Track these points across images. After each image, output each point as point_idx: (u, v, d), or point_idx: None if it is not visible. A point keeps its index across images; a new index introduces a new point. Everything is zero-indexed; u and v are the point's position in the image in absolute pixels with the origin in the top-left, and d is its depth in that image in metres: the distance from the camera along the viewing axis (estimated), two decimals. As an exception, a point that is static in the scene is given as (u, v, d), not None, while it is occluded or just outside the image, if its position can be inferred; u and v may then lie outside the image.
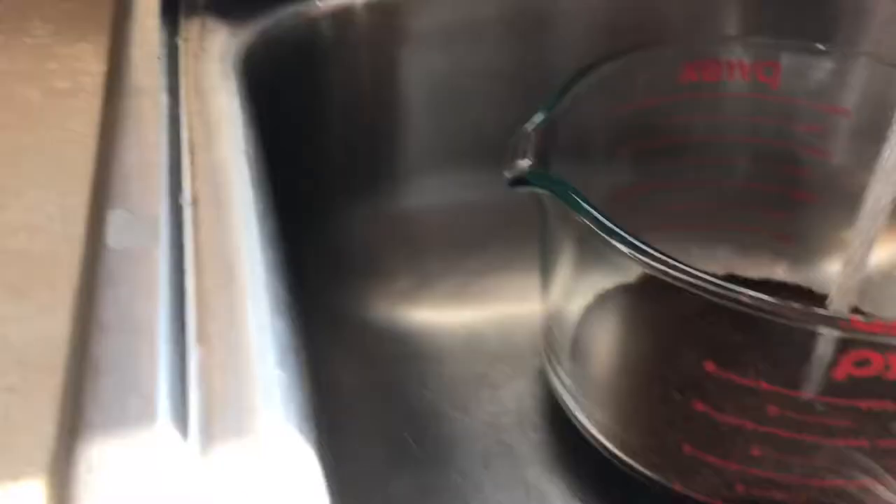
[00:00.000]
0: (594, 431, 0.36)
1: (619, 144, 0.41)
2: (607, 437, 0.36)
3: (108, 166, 0.26)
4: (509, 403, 0.42)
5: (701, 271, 0.27)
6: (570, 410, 0.38)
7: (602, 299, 0.37)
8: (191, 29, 0.36)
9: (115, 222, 0.24)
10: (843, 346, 0.27)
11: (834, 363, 0.28)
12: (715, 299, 0.27)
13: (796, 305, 0.26)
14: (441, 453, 0.39)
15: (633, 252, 0.28)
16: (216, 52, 0.35)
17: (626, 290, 0.36)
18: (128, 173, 0.26)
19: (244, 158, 0.28)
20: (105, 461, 0.17)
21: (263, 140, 0.31)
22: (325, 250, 0.43)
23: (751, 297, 0.27)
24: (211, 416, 0.19)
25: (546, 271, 0.38)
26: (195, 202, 0.25)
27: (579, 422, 0.37)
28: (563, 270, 0.37)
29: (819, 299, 0.39)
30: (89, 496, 0.17)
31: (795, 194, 0.45)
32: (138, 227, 0.24)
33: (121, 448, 0.18)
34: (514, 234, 0.46)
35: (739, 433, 0.31)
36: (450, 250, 0.46)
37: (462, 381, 0.42)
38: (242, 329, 0.21)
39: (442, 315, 0.45)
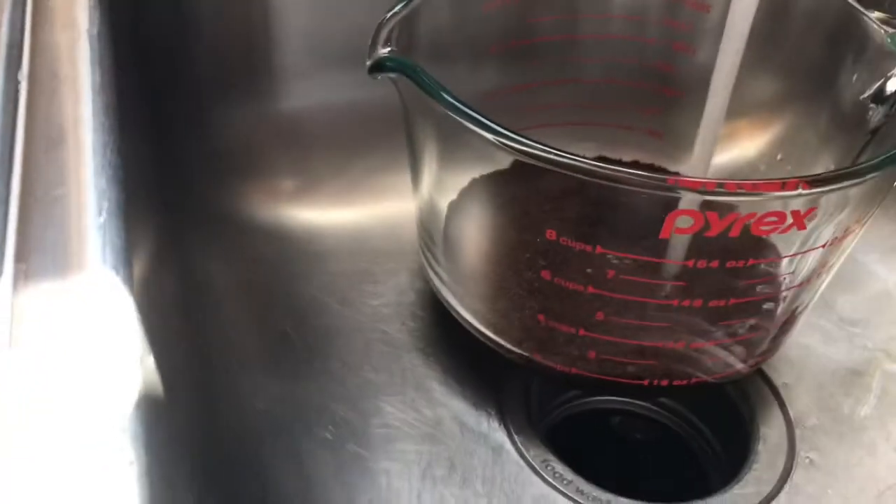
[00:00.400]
0: (465, 315, 0.38)
1: (482, 44, 0.42)
2: (476, 319, 0.38)
3: (-55, 46, 0.27)
4: (391, 296, 0.43)
5: (545, 145, 0.28)
6: (444, 298, 0.39)
7: (467, 190, 0.39)
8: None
9: (-54, 94, 0.24)
10: (667, 206, 0.29)
11: (660, 224, 0.30)
12: (550, 167, 0.29)
13: (621, 169, 0.28)
14: (322, 344, 0.40)
15: (482, 130, 0.29)
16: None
17: (487, 179, 0.37)
18: (-35, 51, 0.26)
19: (86, 37, 0.28)
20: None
21: (120, 33, 0.31)
22: (208, 151, 0.44)
23: (581, 162, 0.28)
24: (27, 257, 0.20)
25: (413, 165, 0.39)
26: (32, 78, 0.26)
27: (452, 308, 0.39)
28: (428, 163, 0.38)
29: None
30: None
31: (664, 90, 0.46)
32: (-30, 98, 0.24)
33: (-67, 284, 0.19)
34: (398, 136, 0.47)
35: (583, 298, 0.32)
36: (335, 151, 0.47)
37: (345, 277, 0.44)
38: (65, 186, 0.22)
39: (327, 215, 0.46)
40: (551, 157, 0.29)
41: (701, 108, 0.46)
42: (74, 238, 0.20)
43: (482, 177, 0.38)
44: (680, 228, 0.29)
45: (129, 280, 0.20)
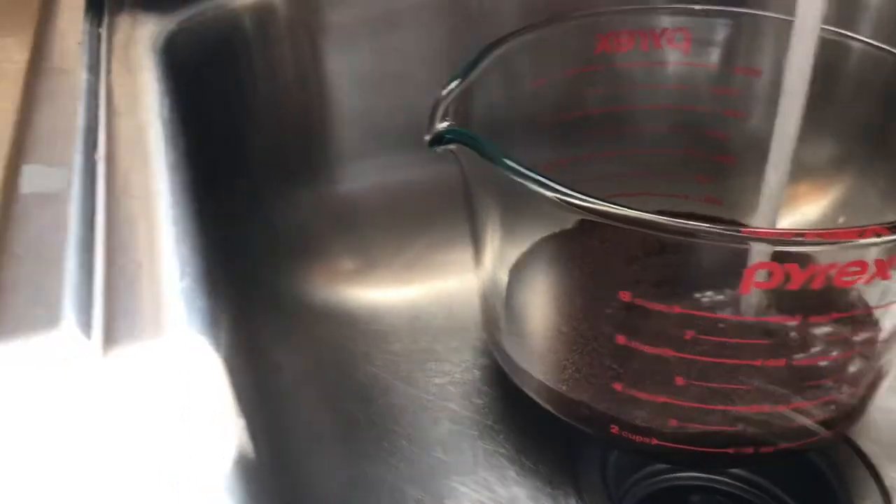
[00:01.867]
0: (533, 388, 0.37)
1: (537, 117, 0.43)
2: (545, 392, 0.37)
3: (26, 131, 0.27)
4: (455, 374, 0.42)
5: (616, 203, 0.28)
6: (511, 372, 0.38)
7: (530, 255, 0.38)
8: (114, 22, 0.38)
9: (29, 173, 0.25)
10: (745, 260, 0.29)
11: (738, 280, 0.29)
12: (621, 225, 0.28)
13: (696, 224, 0.28)
14: (389, 424, 0.39)
15: (547, 191, 0.29)
16: (138, 39, 0.36)
17: (547, 242, 0.37)
18: (45, 136, 0.27)
19: (159, 122, 0.29)
20: (12, 363, 0.18)
21: (187, 120, 0.32)
22: (266, 234, 0.44)
23: (652, 219, 0.28)
24: (114, 321, 0.19)
25: (474, 236, 0.39)
26: (110, 159, 0.26)
27: (520, 381, 0.38)
28: (490, 232, 0.38)
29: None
30: (-7, 392, 0.17)
31: (719, 157, 0.46)
32: (52, 177, 0.24)
33: (24, 351, 0.18)
34: (455, 212, 0.47)
35: (661, 362, 0.31)
36: (391, 231, 0.47)
37: (408, 356, 0.43)
38: (148, 254, 0.22)
39: (386, 294, 0.46)
40: (623, 214, 0.28)
41: (756, 173, 0.46)
42: (159, 303, 0.20)
43: (544, 240, 0.38)
44: (760, 283, 0.28)
45: (216, 342, 0.20)
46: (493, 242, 0.38)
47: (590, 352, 0.35)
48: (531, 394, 0.37)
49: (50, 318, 0.19)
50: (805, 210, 0.49)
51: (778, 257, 0.28)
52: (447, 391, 0.41)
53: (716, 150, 0.46)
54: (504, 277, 0.39)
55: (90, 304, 0.20)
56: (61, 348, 0.18)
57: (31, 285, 0.20)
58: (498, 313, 0.39)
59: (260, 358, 0.41)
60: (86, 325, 0.19)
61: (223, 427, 0.18)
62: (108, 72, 0.32)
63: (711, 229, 0.28)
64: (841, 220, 0.48)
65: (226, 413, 0.18)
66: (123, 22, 0.38)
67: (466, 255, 0.48)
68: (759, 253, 0.28)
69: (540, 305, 0.39)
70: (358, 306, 0.45)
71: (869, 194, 0.43)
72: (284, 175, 0.45)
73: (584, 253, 0.36)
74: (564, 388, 0.36)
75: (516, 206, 0.36)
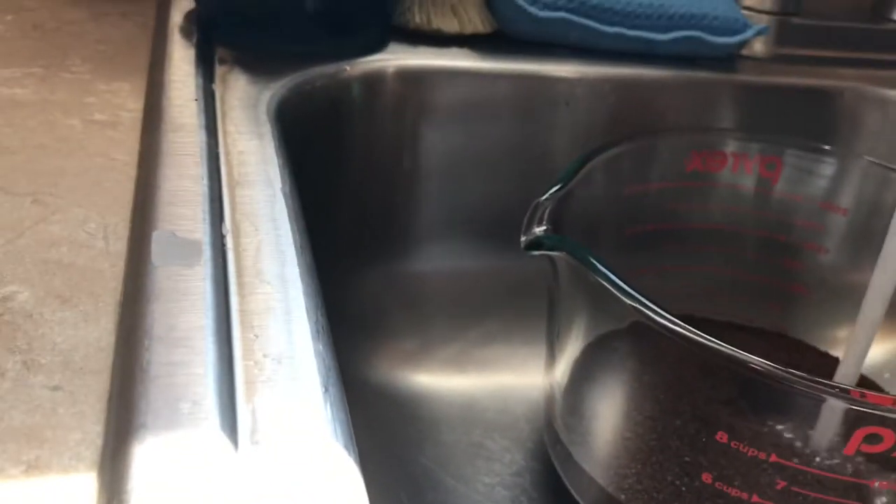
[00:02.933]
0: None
1: (625, 225, 0.43)
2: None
3: (149, 192, 0.27)
4: (505, 475, 0.41)
5: (715, 340, 0.28)
6: (569, 484, 0.37)
7: (615, 370, 0.38)
8: (224, 78, 0.37)
9: (158, 242, 0.24)
10: (855, 420, 0.28)
11: (845, 438, 0.28)
12: (728, 365, 0.28)
13: (811, 378, 0.27)
14: (437, 520, 0.38)
15: (649, 313, 0.29)
16: (250, 101, 0.36)
17: (636, 360, 0.36)
18: (169, 199, 0.26)
19: (280, 196, 0.28)
20: (155, 460, 0.17)
21: (301, 192, 0.31)
22: (332, 306, 0.43)
23: (763, 366, 0.27)
24: (259, 427, 0.19)
25: (553, 339, 0.38)
26: (236, 232, 0.26)
27: (576, 496, 0.37)
28: (574, 339, 0.37)
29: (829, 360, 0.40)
30: (138, 493, 0.17)
31: (792, 287, 0.46)
32: (181, 248, 0.24)
33: (170, 449, 0.18)
34: (516, 305, 0.47)
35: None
36: (454, 317, 0.46)
37: (459, 450, 0.42)
38: (286, 349, 0.21)
39: (441, 380, 0.45)
40: (735, 356, 0.28)
41: (826, 307, 0.46)
42: (304, 409, 0.19)
43: (631, 355, 0.37)
44: (868, 446, 0.28)
45: (357, 460, 0.19)
46: (572, 348, 0.37)
47: (670, 484, 0.34)
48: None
49: (195, 415, 0.18)
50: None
51: (885, 421, 0.28)
52: (497, 493, 0.40)
53: (790, 280, 0.46)
54: (586, 386, 0.38)
55: (234, 402, 0.19)
56: (207, 450, 0.18)
57: (173, 373, 0.19)
58: (567, 420, 0.38)
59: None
60: (231, 428, 0.18)
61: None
62: (225, 133, 0.32)
63: (818, 384, 0.27)
64: (886, 375, 0.47)
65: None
66: (232, 81, 0.38)
67: (524, 350, 0.48)
68: (865, 415, 0.28)
69: (610, 422, 0.38)
70: (413, 389, 0.44)
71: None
72: (362, 251, 0.44)
73: (680, 384, 0.35)
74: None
75: (605, 317, 0.35)
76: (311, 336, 0.22)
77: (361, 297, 0.45)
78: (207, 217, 0.26)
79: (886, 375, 0.46)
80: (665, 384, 0.37)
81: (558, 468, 0.38)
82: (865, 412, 0.28)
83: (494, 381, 0.46)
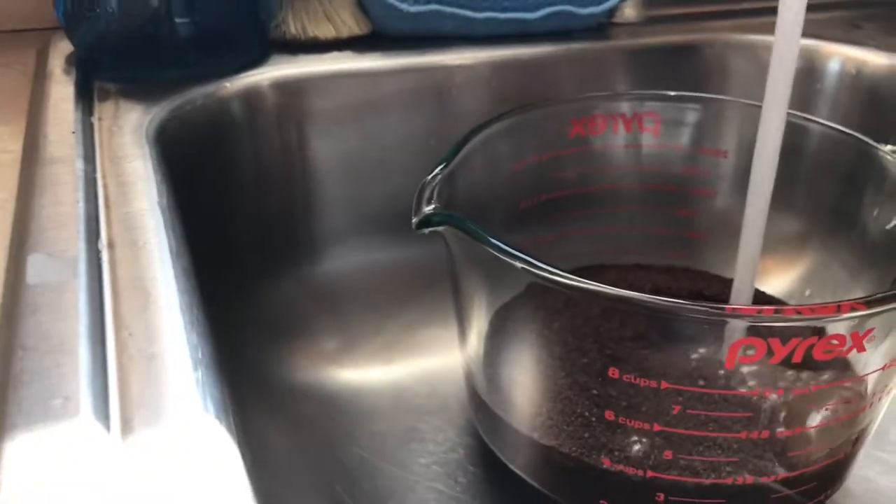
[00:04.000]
0: (518, 468, 0.37)
1: (517, 198, 0.44)
2: (531, 472, 0.37)
3: (26, 220, 0.28)
4: (440, 454, 0.42)
5: (596, 282, 0.29)
6: (495, 451, 0.39)
7: (516, 329, 0.39)
8: (104, 110, 0.38)
9: (34, 263, 0.25)
10: (728, 335, 0.30)
11: (723, 354, 0.30)
12: (615, 304, 0.29)
13: (680, 302, 0.29)
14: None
15: (533, 269, 0.30)
16: (130, 127, 0.37)
17: (536, 317, 0.38)
18: (45, 225, 0.27)
19: (157, 209, 0.29)
20: (27, 454, 0.18)
21: (182, 206, 0.32)
22: (248, 315, 0.44)
23: (639, 298, 0.29)
24: (131, 411, 0.20)
25: (460, 315, 0.39)
26: (111, 246, 0.27)
27: (505, 461, 0.38)
28: (477, 310, 0.38)
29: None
30: (8, 486, 0.17)
31: (689, 234, 0.48)
32: (56, 266, 0.25)
33: (43, 443, 0.18)
34: (433, 293, 0.48)
35: (649, 436, 0.32)
36: (371, 311, 0.47)
37: (392, 436, 0.43)
38: (158, 343, 0.22)
39: (368, 374, 0.46)
40: (611, 293, 0.29)
41: (725, 248, 0.48)
42: (175, 391, 0.20)
43: (530, 315, 0.38)
44: (745, 357, 0.30)
45: (231, 430, 0.20)
46: (478, 319, 0.38)
47: (576, 424, 0.35)
48: (518, 473, 0.37)
49: (66, 409, 0.19)
50: (773, 283, 0.51)
51: (758, 331, 0.30)
52: (432, 471, 0.41)
53: (687, 228, 0.48)
54: (490, 351, 0.39)
55: (106, 394, 0.20)
56: (80, 439, 0.19)
57: (45, 376, 0.20)
58: (480, 382, 0.39)
59: (246, 437, 0.41)
60: (104, 416, 0.19)
61: (244, 515, 0.18)
62: (104, 160, 0.33)
63: (697, 307, 0.29)
64: (807, 292, 0.49)
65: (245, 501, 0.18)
66: (111, 110, 0.39)
67: (446, 333, 0.49)
68: (741, 328, 0.30)
69: (527, 377, 0.39)
70: (340, 386, 0.45)
71: (836, 269, 0.45)
72: (268, 257, 0.45)
73: (571, 324, 0.37)
74: (550, 465, 0.36)
75: (501, 285, 0.37)
76: (185, 329, 0.23)
77: (276, 303, 0.46)
78: (83, 236, 0.27)
79: (808, 293, 0.48)
80: (571, 328, 0.38)
81: (482, 433, 0.39)
82: (736, 325, 0.30)
83: (420, 367, 0.47)
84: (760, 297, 0.45)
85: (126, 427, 0.19)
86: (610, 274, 0.46)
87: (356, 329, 0.47)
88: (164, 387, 0.20)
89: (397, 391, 0.46)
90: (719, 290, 0.45)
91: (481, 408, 0.39)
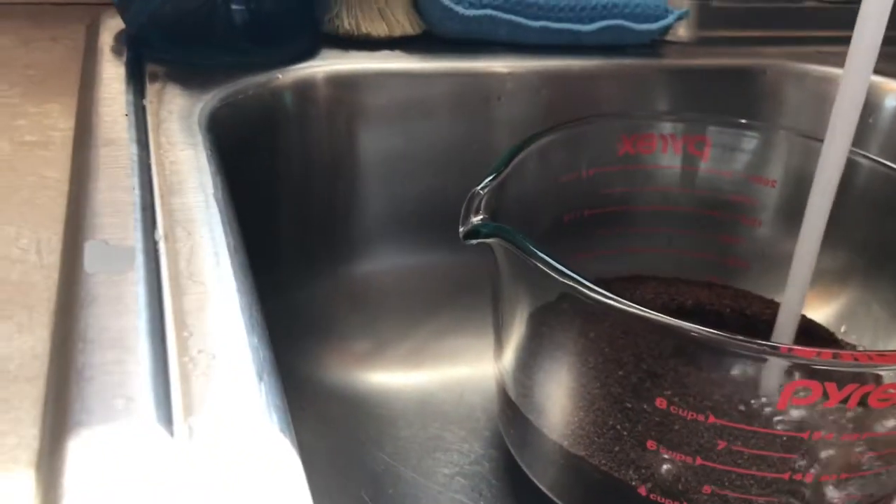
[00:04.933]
0: (542, 479, 0.37)
1: (562, 211, 0.44)
2: (557, 486, 0.36)
3: (82, 205, 0.27)
4: (464, 465, 0.42)
5: (650, 311, 0.29)
6: (521, 464, 0.38)
7: (560, 350, 0.38)
8: (155, 94, 0.38)
9: (91, 251, 0.24)
10: (785, 375, 0.29)
11: (776, 394, 0.29)
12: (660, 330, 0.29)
13: (738, 337, 0.28)
14: (398, 513, 0.39)
15: (585, 291, 0.30)
16: (180, 113, 0.36)
17: (580, 339, 0.37)
18: (102, 210, 0.27)
19: (213, 202, 0.29)
20: (90, 454, 0.18)
21: (234, 199, 0.32)
22: (283, 312, 0.44)
23: (696, 331, 0.28)
24: (194, 417, 0.19)
25: (499, 327, 0.39)
26: (169, 238, 0.26)
27: (528, 473, 0.38)
28: (518, 324, 0.38)
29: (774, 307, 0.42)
30: (76, 489, 0.17)
31: (731, 261, 0.47)
32: (114, 255, 0.24)
33: (106, 443, 0.18)
34: (465, 299, 0.48)
35: (690, 470, 0.32)
36: (403, 314, 0.47)
37: (417, 444, 0.43)
38: (221, 344, 0.22)
39: (396, 378, 0.46)
40: (665, 322, 0.29)
41: (766, 277, 0.47)
42: (238, 397, 0.20)
43: (575, 335, 0.38)
44: (798, 399, 0.29)
45: (294, 443, 0.19)
46: (518, 329, 0.38)
47: (616, 453, 0.35)
48: (547, 494, 0.37)
49: (129, 410, 0.19)
50: (810, 316, 0.50)
51: (814, 373, 0.29)
52: (457, 482, 0.41)
53: (728, 254, 0.47)
54: (532, 369, 0.39)
55: (169, 397, 0.19)
56: (143, 443, 0.18)
57: (107, 372, 0.20)
58: (512, 386, 0.39)
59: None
60: (167, 421, 0.19)
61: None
62: (158, 146, 0.32)
63: (751, 344, 0.28)
64: (843, 328, 0.49)
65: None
66: (164, 94, 0.38)
67: (476, 342, 0.48)
68: (796, 370, 0.29)
69: (567, 402, 0.38)
70: (369, 388, 0.45)
71: (875, 308, 0.45)
72: (306, 254, 0.45)
73: (618, 350, 0.36)
74: (582, 488, 0.36)
75: (546, 298, 0.36)
76: (246, 330, 0.22)
77: (311, 300, 0.45)
78: (140, 225, 0.26)
79: (843, 329, 0.48)
80: (609, 338, 0.38)
81: (510, 444, 0.38)
82: (794, 366, 0.29)
83: (448, 374, 0.47)
84: (808, 326, 0.44)
85: (189, 433, 0.18)
86: (650, 285, 0.46)
87: (387, 332, 0.46)
88: (227, 393, 0.20)
89: (425, 397, 0.45)
90: (760, 309, 0.45)
91: (511, 413, 0.38)
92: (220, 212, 0.28)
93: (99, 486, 0.17)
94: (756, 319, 0.43)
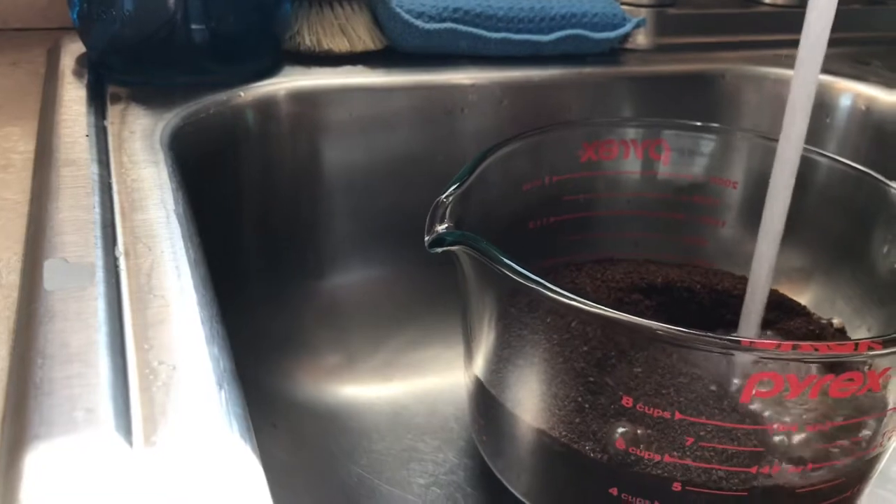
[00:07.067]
0: (520, 494, 0.37)
1: (527, 218, 0.44)
2: (533, 498, 0.37)
3: (42, 224, 0.27)
4: (439, 475, 0.42)
5: (612, 308, 0.29)
6: (498, 474, 0.38)
7: (529, 354, 0.39)
8: (115, 114, 0.38)
9: (51, 269, 0.24)
10: (747, 368, 0.29)
11: (739, 387, 0.30)
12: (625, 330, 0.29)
13: (698, 332, 0.28)
14: (374, 527, 0.39)
15: (553, 294, 0.30)
16: (142, 132, 0.36)
17: (549, 339, 0.37)
18: (62, 229, 0.27)
19: (175, 217, 0.29)
20: (49, 467, 0.18)
21: (196, 215, 0.32)
22: (251, 327, 0.44)
23: (654, 328, 0.29)
24: (154, 427, 0.19)
25: (467, 335, 0.39)
26: (127, 254, 0.26)
27: (507, 484, 0.38)
28: (487, 330, 0.38)
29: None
30: (34, 500, 0.17)
31: (696, 262, 0.48)
32: (74, 273, 0.24)
33: (66, 456, 0.18)
34: (435, 310, 0.48)
35: (660, 468, 0.32)
36: (373, 327, 0.47)
37: (391, 456, 0.43)
38: (181, 356, 0.22)
39: (368, 391, 0.46)
40: (630, 322, 0.29)
41: (732, 279, 0.48)
42: (198, 407, 0.20)
43: (545, 338, 0.38)
44: (761, 392, 0.29)
45: (255, 450, 0.19)
46: (487, 336, 0.38)
47: (585, 453, 0.35)
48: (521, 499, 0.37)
49: (89, 422, 0.19)
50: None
51: (775, 367, 0.29)
52: (432, 493, 0.41)
53: (694, 256, 0.48)
54: (501, 374, 0.39)
55: (128, 408, 0.19)
56: (103, 453, 0.18)
57: (66, 386, 0.20)
58: (490, 412, 0.39)
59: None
60: (126, 431, 0.19)
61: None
62: (119, 164, 0.32)
63: (712, 339, 0.29)
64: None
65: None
66: (125, 115, 0.38)
67: (446, 352, 0.48)
68: (762, 364, 0.29)
69: (535, 405, 0.39)
70: (341, 402, 0.45)
71: (837, 303, 0.45)
72: (273, 269, 0.45)
73: (584, 352, 0.36)
74: (555, 493, 0.36)
75: (512, 304, 0.36)
76: (206, 341, 0.22)
77: (280, 316, 0.45)
78: (100, 242, 0.26)
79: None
80: (571, 337, 0.38)
81: (486, 457, 0.39)
82: (755, 359, 0.29)
83: (421, 386, 0.47)
84: (780, 300, 0.44)
85: (149, 442, 0.19)
86: (621, 266, 0.46)
87: (357, 345, 0.47)
88: (186, 402, 0.20)
89: (397, 409, 0.45)
90: (732, 284, 0.45)
91: (484, 414, 0.38)
92: (182, 226, 0.28)
93: (57, 497, 0.17)
94: (727, 295, 0.44)
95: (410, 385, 0.47)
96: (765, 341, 0.33)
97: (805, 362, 0.29)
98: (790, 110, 0.33)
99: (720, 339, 0.28)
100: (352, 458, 0.42)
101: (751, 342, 0.30)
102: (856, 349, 0.29)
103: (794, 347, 0.29)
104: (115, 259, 0.26)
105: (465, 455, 0.43)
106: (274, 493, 0.38)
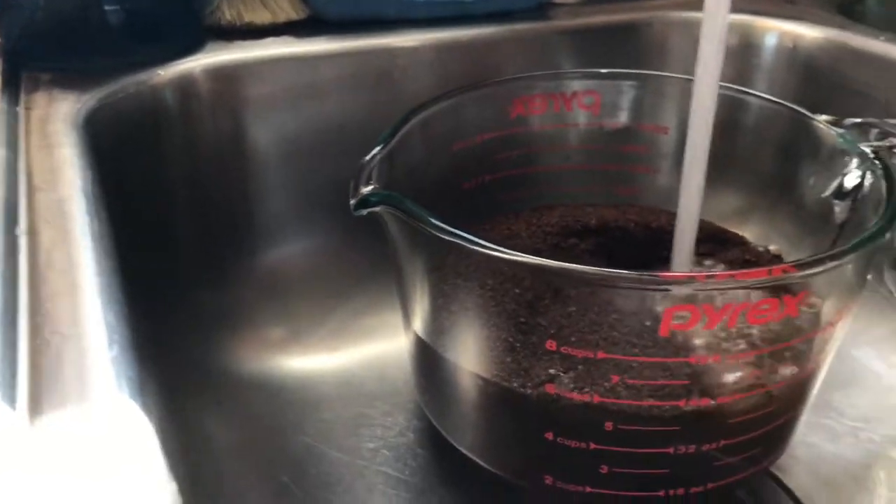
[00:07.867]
0: (465, 449, 0.37)
1: (460, 179, 0.44)
2: (478, 451, 0.37)
3: (-58, 210, 0.27)
4: (389, 438, 0.42)
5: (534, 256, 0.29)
6: (442, 432, 0.38)
7: (459, 310, 0.39)
8: (36, 99, 0.38)
9: (-53, 251, 0.24)
10: (663, 303, 0.30)
11: (657, 321, 0.30)
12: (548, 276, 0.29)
13: (609, 271, 0.29)
14: (324, 493, 0.39)
15: (471, 246, 0.30)
16: (61, 116, 0.36)
17: (478, 294, 0.37)
18: (-38, 213, 0.27)
19: (82, 195, 0.29)
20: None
21: (111, 194, 0.32)
22: (190, 305, 0.43)
23: (577, 269, 0.29)
24: (40, 392, 0.19)
25: (402, 296, 0.39)
26: (34, 232, 0.26)
27: (452, 441, 0.38)
28: (420, 291, 0.38)
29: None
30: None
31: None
32: (-29, 253, 0.24)
33: (-53, 426, 0.18)
34: (380, 278, 0.48)
35: (589, 409, 0.32)
36: (317, 299, 0.47)
37: (340, 424, 0.43)
38: (74, 324, 0.22)
39: (315, 362, 0.46)
40: (553, 266, 0.29)
41: (668, 216, 0.48)
42: (86, 371, 0.20)
43: (472, 292, 0.38)
44: (678, 324, 0.30)
45: (147, 408, 0.19)
46: (423, 299, 0.38)
47: (519, 402, 0.35)
48: (465, 453, 0.37)
49: (-27, 392, 0.19)
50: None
51: (690, 298, 0.30)
52: (381, 455, 0.41)
53: (631, 202, 0.48)
54: (435, 332, 0.39)
55: (15, 374, 0.19)
56: (-14, 421, 0.18)
57: (-47, 360, 0.20)
58: (430, 371, 0.39)
59: (190, 429, 0.40)
60: (10, 398, 0.19)
61: (156, 494, 0.17)
62: (28, 147, 0.32)
63: (630, 275, 0.29)
64: (751, 266, 0.50)
65: (158, 479, 0.18)
66: (41, 100, 0.38)
67: (393, 318, 0.48)
68: (675, 296, 0.30)
69: (461, 358, 0.39)
70: (287, 375, 0.45)
71: (773, 238, 0.46)
72: (208, 245, 0.45)
73: (511, 300, 0.36)
74: (495, 442, 0.36)
75: (442, 263, 0.36)
76: (102, 309, 0.22)
77: (219, 294, 0.45)
78: (1, 223, 0.26)
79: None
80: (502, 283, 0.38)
81: (430, 416, 0.39)
82: (669, 292, 0.30)
83: (369, 353, 0.47)
84: (716, 231, 0.45)
85: (34, 407, 0.19)
86: (557, 211, 0.46)
87: (302, 317, 0.47)
88: (76, 367, 0.20)
89: (346, 378, 0.45)
90: (667, 221, 0.45)
91: (426, 371, 0.38)
92: (88, 204, 0.28)
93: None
94: (662, 231, 0.44)
95: (359, 353, 0.47)
96: (676, 273, 0.33)
97: (721, 290, 0.29)
98: (704, 42, 0.33)
99: (629, 274, 0.29)
100: (300, 430, 0.42)
101: (661, 275, 0.30)
102: (769, 274, 0.29)
103: (709, 277, 0.29)
104: (16, 238, 0.26)
105: (415, 417, 0.43)
106: (218, 472, 0.38)
